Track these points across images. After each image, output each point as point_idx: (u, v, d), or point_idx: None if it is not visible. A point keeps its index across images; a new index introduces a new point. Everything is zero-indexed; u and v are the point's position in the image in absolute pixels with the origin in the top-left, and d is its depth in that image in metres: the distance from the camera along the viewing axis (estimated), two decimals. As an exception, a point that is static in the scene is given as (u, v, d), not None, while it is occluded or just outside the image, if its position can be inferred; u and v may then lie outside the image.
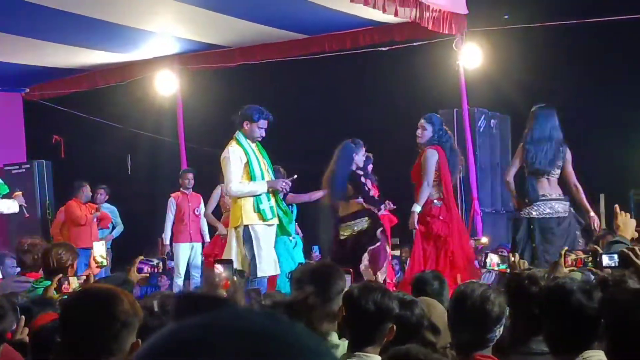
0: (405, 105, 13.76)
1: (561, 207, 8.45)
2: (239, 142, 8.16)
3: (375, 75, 14.67)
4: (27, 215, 10.98)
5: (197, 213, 11.98)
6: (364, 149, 9.24)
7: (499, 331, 3.73)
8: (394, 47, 11.83)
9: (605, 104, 14.75)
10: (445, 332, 4.06)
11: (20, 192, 10.38)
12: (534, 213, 8.41)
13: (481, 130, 12.60)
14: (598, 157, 15.08)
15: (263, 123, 8.17)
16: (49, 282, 6.16)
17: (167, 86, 13.03)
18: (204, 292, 1.14)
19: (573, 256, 5.30)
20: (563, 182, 8.59)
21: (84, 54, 12.10)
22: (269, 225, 8.13)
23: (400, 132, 12.06)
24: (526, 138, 8.48)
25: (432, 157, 8.55)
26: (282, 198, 9.02)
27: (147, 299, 4.09)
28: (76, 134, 14.38)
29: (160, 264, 5.76)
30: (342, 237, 9.11)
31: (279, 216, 8.30)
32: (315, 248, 12.06)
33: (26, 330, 4.07)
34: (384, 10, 9.67)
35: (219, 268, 4.67)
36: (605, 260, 5.10)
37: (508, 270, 5.38)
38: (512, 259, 5.44)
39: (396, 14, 9.90)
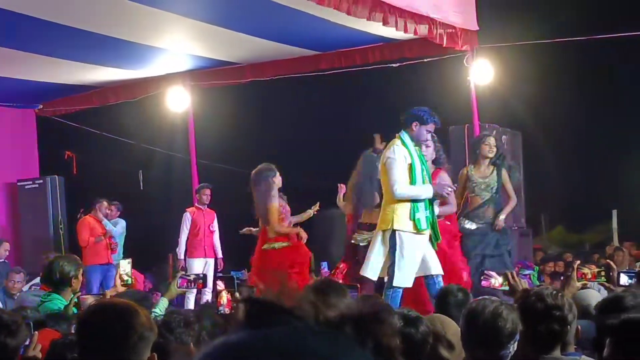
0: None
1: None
2: (403, 143, 7.87)
3: (386, 92, 14.69)
4: None
5: (212, 229, 12.00)
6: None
7: (513, 347, 3.69)
8: (404, 63, 11.85)
9: (617, 120, 14.74)
10: (460, 349, 4.05)
11: None
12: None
13: (492, 146, 12.58)
14: (610, 174, 15.06)
15: (431, 127, 7.97)
16: (57, 295, 6.19)
17: (178, 102, 13.07)
18: (275, 301, 1.14)
19: (587, 270, 5.29)
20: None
21: (97, 70, 12.17)
22: (420, 234, 7.83)
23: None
24: None
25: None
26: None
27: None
28: (89, 149, 14.44)
29: (201, 280, 5.69)
30: (354, 242, 9.22)
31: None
32: (324, 264, 12.08)
33: (39, 346, 4.04)
34: (398, 28, 9.70)
35: (220, 285, 4.61)
36: (624, 278, 5.09)
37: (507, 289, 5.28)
38: (510, 277, 5.31)
39: (406, 30, 9.92)
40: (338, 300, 4.04)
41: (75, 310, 5.63)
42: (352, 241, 9.37)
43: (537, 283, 10.83)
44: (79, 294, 6.12)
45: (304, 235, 9.53)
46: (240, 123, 15.72)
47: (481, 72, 11.46)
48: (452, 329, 4.20)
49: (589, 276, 5.25)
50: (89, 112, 13.94)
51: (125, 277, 6.10)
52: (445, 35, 10.52)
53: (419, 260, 7.82)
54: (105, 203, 12.70)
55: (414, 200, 7.76)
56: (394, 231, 7.74)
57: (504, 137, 12.97)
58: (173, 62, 12.21)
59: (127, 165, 14.91)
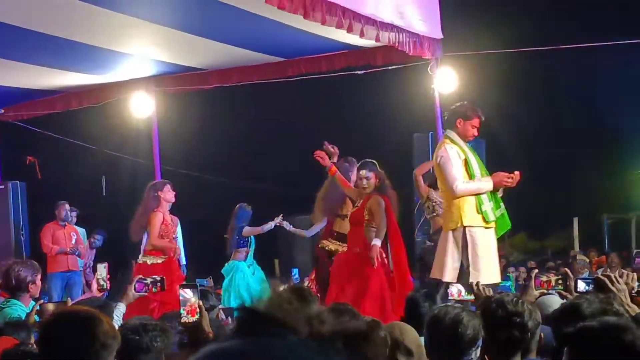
0: (380, 128, 13.86)
1: None
2: (452, 140, 7.79)
3: (351, 99, 14.74)
4: None
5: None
6: (356, 167, 9.30)
7: (475, 354, 3.72)
8: (369, 70, 11.89)
9: (579, 129, 14.89)
10: (418, 356, 4.07)
11: None
12: None
13: (456, 153, 12.68)
14: (572, 181, 15.21)
15: (476, 121, 7.85)
16: (16, 301, 6.14)
17: (142, 108, 12.98)
18: (271, 312, 1.15)
19: (544, 278, 5.33)
20: None
21: (60, 75, 12.07)
22: (487, 228, 7.70)
23: (376, 155, 12.13)
24: None
25: (381, 203, 8.57)
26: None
27: (130, 320, 4.09)
28: (51, 155, 14.34)
29: (159, 284, 5.60)
30: (324, 248, 9.22)
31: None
32: (295, 271, 12.10)
33: None
34: (363, 36, 9.71)
35: (187, 292, 4.52)
36: (581, 285, 5.13)
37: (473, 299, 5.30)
38: (474, 287, 5.35)
39: (372, 38, 9.95)
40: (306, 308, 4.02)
41: (37, 318, 5.59)
42: (320, 246, 9.38)
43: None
44: (41, 301, 6.06)
45: (178, 252, 9.82)
46: (205, 129, 15.70)
47: (445, 80, 11.53)
48: (410, 335, 4.22)
49: (552, 284, 5.29)
50: (51, 117, 13.83)
51: (102, 282, 6.04)
52: (409, 43, 10.56)
53: (495, 254, 7.73)
54: (67, 205, 12.64)
55: (477, 193, 7.67)
56: (464, 228, 7.62)
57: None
58: (137, 67, 12.14)
59: (90, 171, 14.83)
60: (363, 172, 8.66)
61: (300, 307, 1.16)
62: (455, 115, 7.86)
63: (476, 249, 7.56)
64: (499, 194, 7.90)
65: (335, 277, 8.69)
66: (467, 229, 7.60)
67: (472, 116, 7.81)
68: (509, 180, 7.77)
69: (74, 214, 13.24)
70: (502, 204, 7.89)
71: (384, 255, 8.64)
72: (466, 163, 7.73)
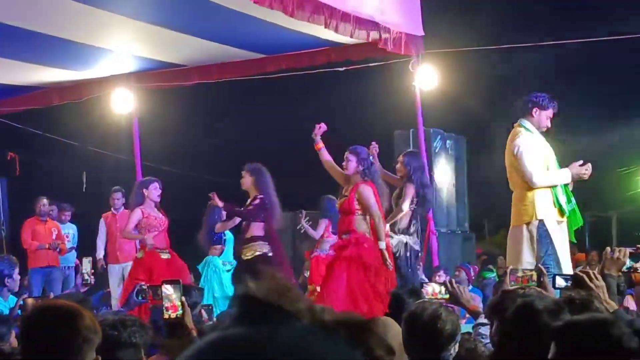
0: (361, 125, 13.87)
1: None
2: (527, 130, 7.65)
3: (332, 95, 14.74)
4: None
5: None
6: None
7: (454, 349, 3.74)
8: (350, 67, 11.90)
9: (559, 124, 14.94)
10: (400, 352, 4.08)
11: None
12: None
13: (437, 150, 12.72)
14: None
15: (551, 112, 7.71)
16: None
17: (123, 104, 12.94)
18: (275, 299, 1.15)
19: (520, 273, 5.32)
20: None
21: (40, 71, 12.02)
22: (560, 222, 7.55)
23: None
24: None
25: (369, 192, 8.57)
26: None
27: (107, 314, 4.09)
28: (32, 151, 14.29)
29: (156, 292, 5.40)
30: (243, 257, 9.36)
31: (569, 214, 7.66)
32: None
33: None
34: (336, 30, 9.71)
35: (168, 289, 4.52)
36: (560, 281, 5.13)
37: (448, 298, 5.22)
38: (449, 285, 5.29)
39: (352, 35, 9.96)
40: None
41: (19, 313, 5.59)
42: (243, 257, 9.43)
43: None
44: (24, 296, 6.05)
45: (150, 243, 9.69)
46: (186, 125, 15.68)
47: (426, 78, 11.54)
48: (393, 331, 4.23)
49: (533, 279, 5.27)
50: (32, 113, 13.78)
51: (86, 277, 6.02)
52: (390, 40, 10.58)
53: (567, 249, 7.59)
54: (44, 200, 12.61)
55: (552, 186, 7.52)
56: (540, 221, 7.48)
57: (448, 141, 13.12)
58: (117, 63, 12.10)
59: (71, 167, 14.78)
60: (346, 154, 8.71)
61: (300, 295, 1.17)
62: (531, 105, 7.73)
63: (555, 242, 7.46)
64: (570, 188, 7.78)
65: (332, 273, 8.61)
66: (543, 221, 7.49)
67: (549, 107, 7.71)
68: (585, 172, 7.66)
69: (69, 213, 13.26)
70: (573, 198, 7.74)
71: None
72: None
